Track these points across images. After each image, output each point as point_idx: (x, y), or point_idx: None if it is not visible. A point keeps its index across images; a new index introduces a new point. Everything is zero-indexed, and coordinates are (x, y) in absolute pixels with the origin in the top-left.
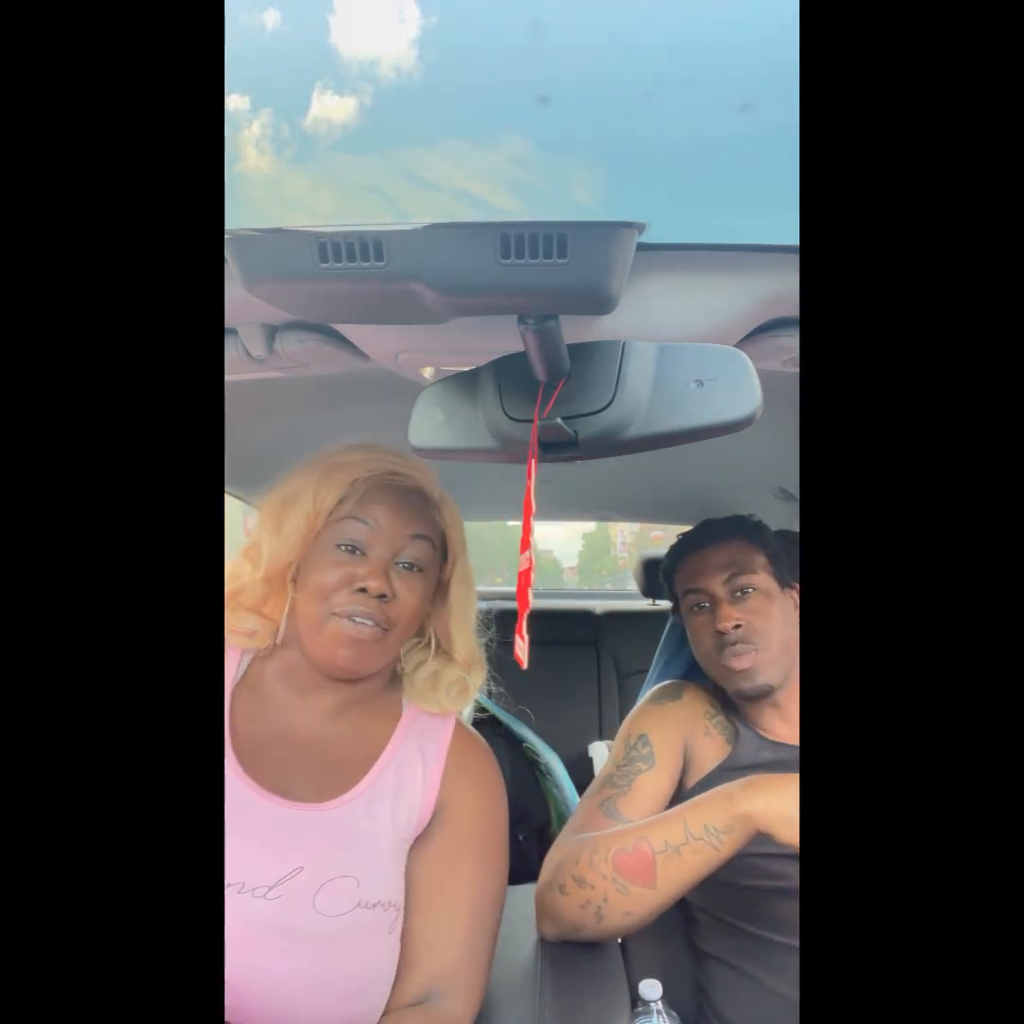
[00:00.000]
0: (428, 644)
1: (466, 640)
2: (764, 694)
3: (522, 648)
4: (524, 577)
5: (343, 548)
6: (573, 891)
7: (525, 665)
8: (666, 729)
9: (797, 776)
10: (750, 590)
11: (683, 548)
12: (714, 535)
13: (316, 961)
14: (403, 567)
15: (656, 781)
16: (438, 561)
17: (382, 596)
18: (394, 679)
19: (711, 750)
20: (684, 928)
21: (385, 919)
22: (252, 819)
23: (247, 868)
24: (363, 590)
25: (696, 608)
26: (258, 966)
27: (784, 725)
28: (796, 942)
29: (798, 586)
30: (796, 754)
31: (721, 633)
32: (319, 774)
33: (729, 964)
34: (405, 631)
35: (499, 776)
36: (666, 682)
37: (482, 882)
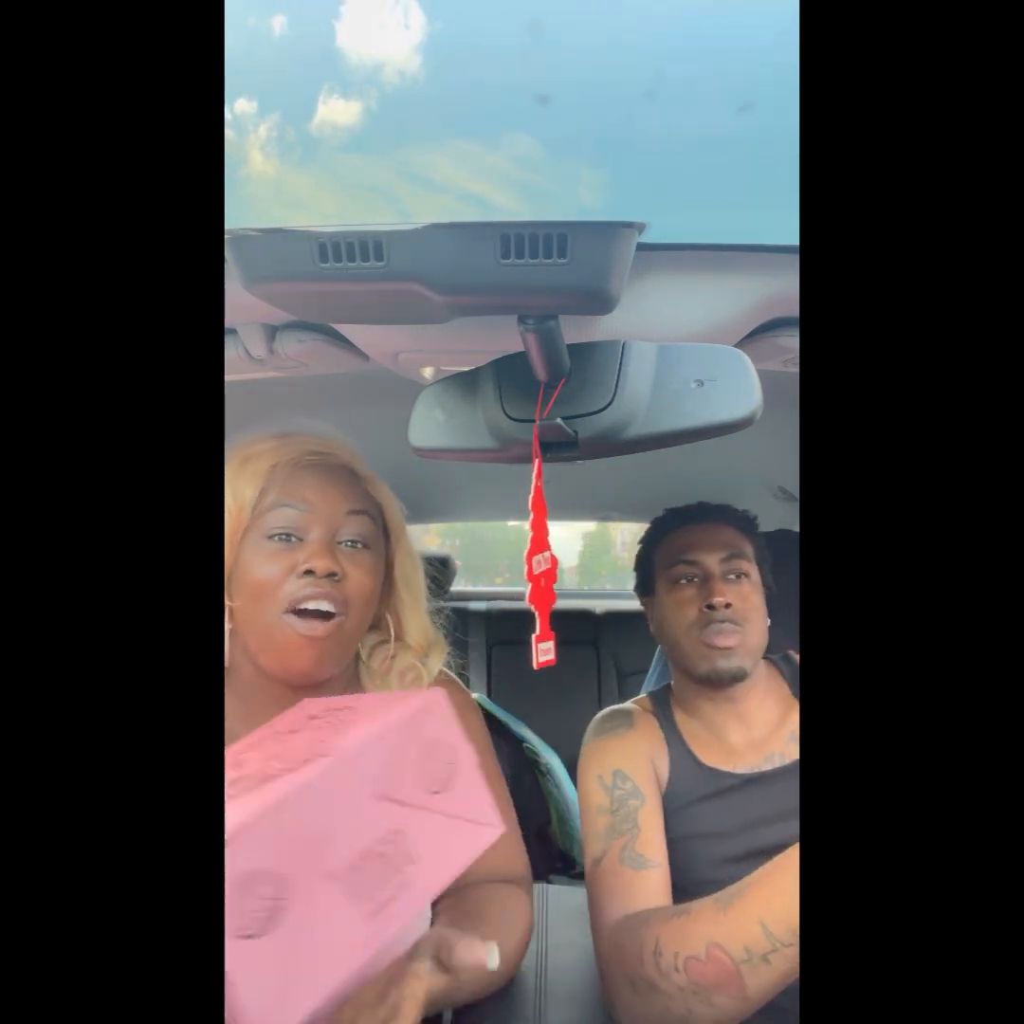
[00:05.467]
0: (383, 630)
1: (418, 622)
2: (737, 679)
3: (549, 650)
4: (547, 577)
5: (277, 538)
6: (646, 994)
7: (554, 661)
8: (635, 759)
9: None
10: (743, 576)
11: (674, 520)
12: (710, 513)
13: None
14: (347, 545)
15: (654, 812)
16: (381, 538)
17: (331, 575)
18: (354, 674)
19: (664, 780)
20: None
21: None
22: None
23: None
24: (310, 572)
25: (684, 580)
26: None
27: (739, 727)
28: None
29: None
30: (733, 781)
31: (712, 607)
32: None
33: None
34: (361, 615)
35: (472, 704)
36: (609, 710)
37: (501, 789)
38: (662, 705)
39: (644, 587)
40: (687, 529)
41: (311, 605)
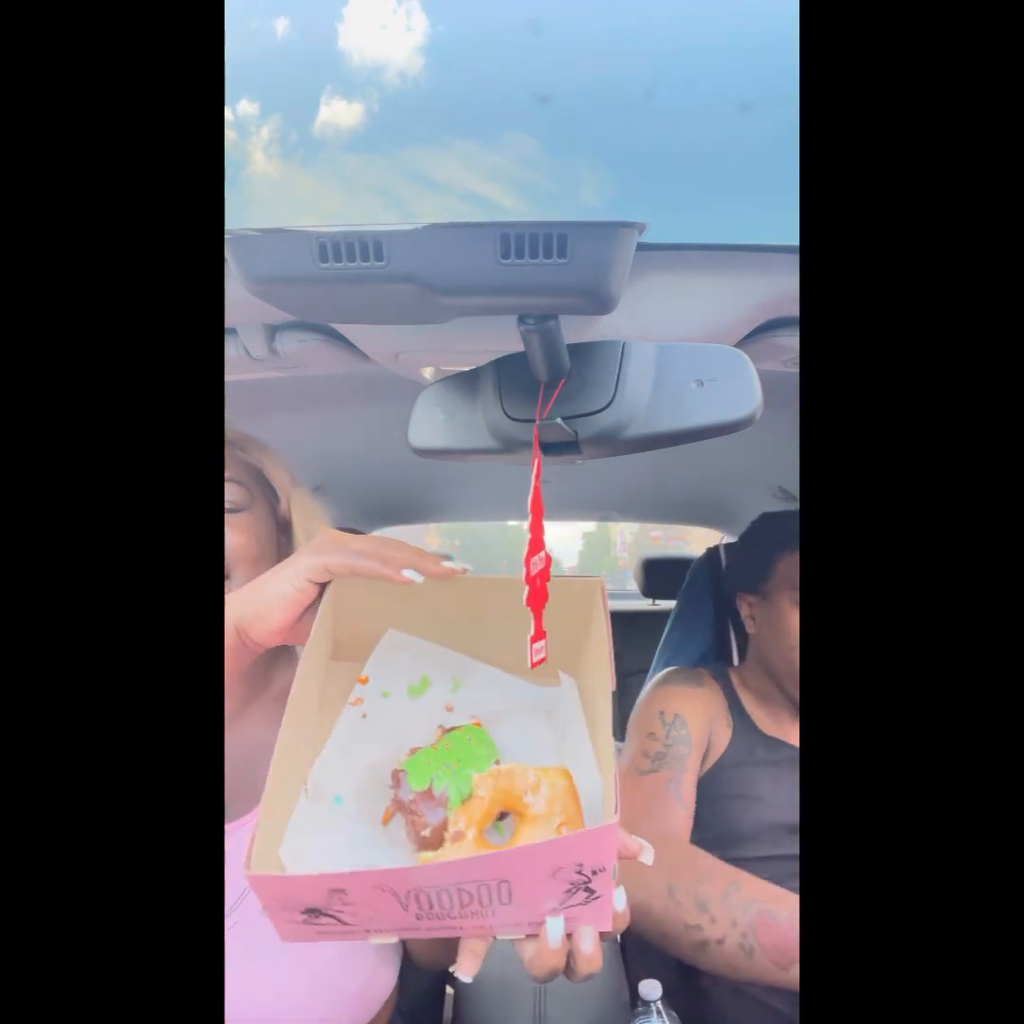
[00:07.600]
0: None
1: None
2: None
3: (542, 649)
4: (542, 577)
5: None
6: (689, 911)
7: (547, 659)
8: (698, 714)
9: None
10: None
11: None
12: None
13: (295, 969)
14: None
15: (694, 768)
16: (262, 501)
17: None
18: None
19: (723, 741)
20: None
21: None
22: None
23: None
24: None
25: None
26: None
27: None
28: None
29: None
30: (793, 752)
31: None
32: (234, 786)
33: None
34: (250, 577)
35: None
36: (680, 668)
37: None
38: (722, 678)
39: (751, 585)
40: None
41: None
